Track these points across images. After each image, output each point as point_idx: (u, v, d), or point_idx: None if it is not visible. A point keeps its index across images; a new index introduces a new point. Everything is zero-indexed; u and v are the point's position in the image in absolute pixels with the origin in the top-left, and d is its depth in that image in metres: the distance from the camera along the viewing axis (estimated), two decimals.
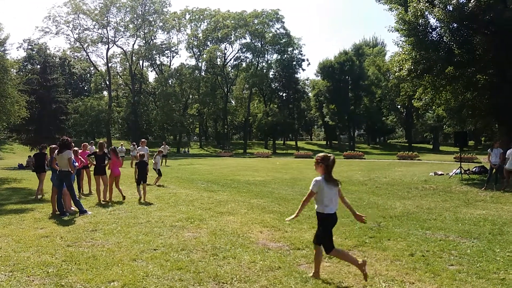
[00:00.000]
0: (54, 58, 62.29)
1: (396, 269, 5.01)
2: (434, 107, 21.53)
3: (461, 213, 8.94)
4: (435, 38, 16.53)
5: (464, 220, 8.10)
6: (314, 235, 4.93)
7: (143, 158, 11.45)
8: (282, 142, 77.37)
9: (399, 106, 61.79)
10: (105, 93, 69.31)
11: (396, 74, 19.21)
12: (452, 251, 5.80)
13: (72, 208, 9.17)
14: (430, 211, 9.20)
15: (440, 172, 18.06)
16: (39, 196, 11.35)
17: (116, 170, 11.18)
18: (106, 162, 10.92)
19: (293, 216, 4.93)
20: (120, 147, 25.79)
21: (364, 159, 34.94)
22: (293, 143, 72.72)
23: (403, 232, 6.97)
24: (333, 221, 4.77)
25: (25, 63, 58.98)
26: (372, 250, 5.87)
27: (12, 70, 24.03)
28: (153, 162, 14.76)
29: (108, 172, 11.03)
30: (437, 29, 16.51)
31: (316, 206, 4.81)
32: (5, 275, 4.82)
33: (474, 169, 18.01)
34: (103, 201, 10.60)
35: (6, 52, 23.09)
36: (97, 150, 11.04)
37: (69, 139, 9.29)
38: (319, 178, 4.72)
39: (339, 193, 4.84)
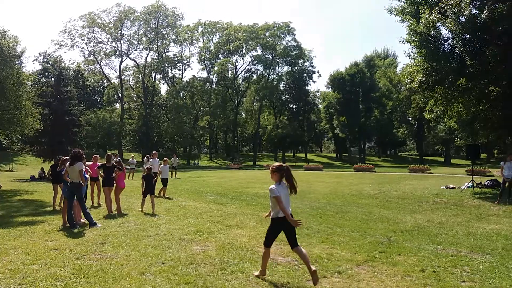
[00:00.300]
0: (68, 70, 63.28)
1: (407, 285, 4.92)
2: (445, 119, 21.31)
3: (473, 227, 8.78)
4: (447, 49, 16.41)
5: (476, 235, 7.95)
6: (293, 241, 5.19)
7: (150, 171, 11.59)
8: (292, 154, 77.16)
9: (410, 118, 61.31)
10: (118, 105, 70.19)
11: (407, 86, 19.06)
12: (464, 267, 5.68)
13: (82, 220, 9.22)
14: (442, 225, 9.06)
15: (451, 186, 17.81)
16: (58, 207, 11.45)
17: (121, 183, 11.36)
18: (114, 174, 11.07)
19: (293, 221, 5.01)
20: (131, 159, 26.00)
21: (375, 171, 34.63)
22: (303, 155, 72.55)
23: (414, 247, 6.87)
24: (286, 223, 5.04)
25: (40, 76, 59.96)
26: (382, 265, 5.78)
27: (27, 83, 24.46)
28: (159, 171, 14.83)
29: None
30: (449, 40, 16.38)
31: (272, 213, 5.14)
32: (14, 287, 4.85)
33: (486, 183, 17.71)
34: (115, 211, 10.76)
35: (22, 65, 23.54)
36: (105, 162, 11.18)
37: (80, 151, 9.38)
38: (273, 186, 5.05)
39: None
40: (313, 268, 4.88)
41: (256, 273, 5.29)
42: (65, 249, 6.64)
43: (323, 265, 5.76)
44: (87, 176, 9.97)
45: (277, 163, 5.28)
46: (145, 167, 11.86)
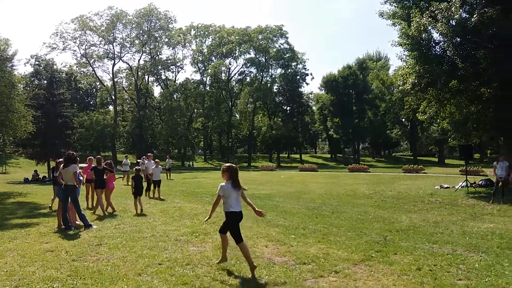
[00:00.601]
0: (60, 73, 62.78)
1: (404, 284, 4.94)
2: (438, 121, 21.45)
3: (468, 226, 8.85)
4: (439, 52, 16.55)
5: (471, 233, 8.01)
6: (221, 226, 5.94)
7: (139, 172, 11.72)
8: (286, 155, 77.19)
9: (403, 120, 61.63)
10: (111, 107, 69.79)
11: (400, 87, 19.20)
12: (460, 265, 5.73)
13: (77, 222, 9.17)
14: (437, 224, 9.12)
15: (446, 185, 17.92)
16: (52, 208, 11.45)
17: (111, 184, 11.53)
18: (105, 176, 11.16)
19: (207, 217, 6.03)
20: (124, 159, 25.83)
21: (369, 172, 34.77)
22: (297, 156, 72.62)
23: (410, 246, 6.90)
24: (238, 217, 5.69)
25: (32, 79, 59.44)
26: (378, 264, 5.80)
27: (19, 85, 24.31)
28: (151, 173, 14.88)
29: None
30: (440, 43, 16.54)
31: (223, 207, 5.70)
32: None
33: (480, 182, 17.86)
34: (108, 212, 10.87)
35: (14, 67, 23.33)
36: (96, 165, 11.23)
37: (74, 153, 9.34)
38: (223, 183, 5.63)
39: (242, 195, 5.82)
40: (227, 257, 5.83)
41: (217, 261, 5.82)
42: (61, 251, 6.60)
43: (319, 264, 5.77)
44: (81, 178, 9.93)
45: (227, 164, 5.81)
46: (140, 168, 11.99)
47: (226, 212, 5.71)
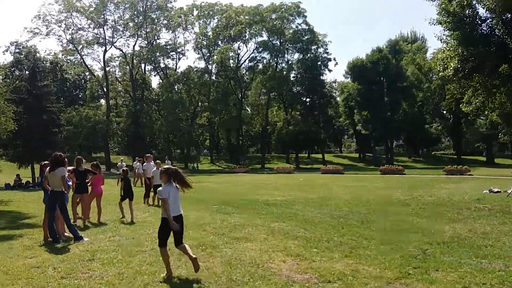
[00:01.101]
0: (44, 62, 63.50)
1: None
2: (486, 112, 21.22)
3: None
4: (485, 31, 16.35)
5: None
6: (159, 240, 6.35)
7: (127, 173, 12.23)
8: (306, 155, 77.06)
9: (444, 112, 60.95)
10: (103, 101, 70.51)
11: (440, 74, 19.02)
12: None
13: (66, 234, 9.29)
14: (486, 236, 9.02)
15: (496, 189, 17.71)
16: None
17: (98, 188, 11.70)
18: (88, 179, 11.37)
19: (172, 224, 6.07)
20: (119, 162, 26.10)
21: (405, 174, 34.56)
22: (319, 156, 72.35)
23: (454, 261, 6.85)
24: (179, 221, 6.19)
25: (12, 69, 60.26)
26: (417, 282, 5.77)
27: None
28: (151, 176, 15.09)
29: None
30: (488, 21, 16.33)
31: (161, 212, 6.28)
32: None
33: None
34: (86, 221, 11.16)
35: None
36: (76, 166, 11.34)
37: (62, 154, 9.43)
38: (161, 187, 6.29)
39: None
40: (194, 256, 6.09)
41: (163, 275, 6.10)
42: (48, 267, 6.70)
43: (347, 283, 5.76)
44: (70, 183, 10.06)
45: (166, 166, 6.69)
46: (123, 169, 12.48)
47: (163, 218, 6.20)
